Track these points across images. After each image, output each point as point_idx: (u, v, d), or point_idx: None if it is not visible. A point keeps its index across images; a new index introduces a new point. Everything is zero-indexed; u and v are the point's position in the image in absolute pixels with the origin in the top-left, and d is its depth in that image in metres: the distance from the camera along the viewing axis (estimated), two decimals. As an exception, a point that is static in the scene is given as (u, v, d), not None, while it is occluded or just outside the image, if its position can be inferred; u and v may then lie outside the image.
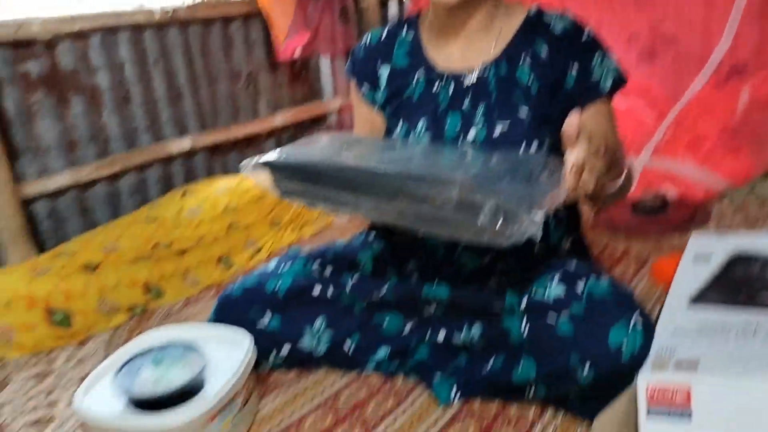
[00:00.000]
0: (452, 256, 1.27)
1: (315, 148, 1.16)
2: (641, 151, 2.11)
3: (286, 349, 1.28)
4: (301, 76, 2.80)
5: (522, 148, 1.18)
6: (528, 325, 1.09)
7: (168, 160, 2.28)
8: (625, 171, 1.14)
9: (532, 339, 1.07)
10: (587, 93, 1.19)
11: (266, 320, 1.26)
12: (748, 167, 1.98)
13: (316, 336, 1.27)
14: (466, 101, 1.21)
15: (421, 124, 1.23)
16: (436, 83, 1.24)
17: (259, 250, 1.97)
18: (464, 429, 1.11)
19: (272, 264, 1.35)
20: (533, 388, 1.10)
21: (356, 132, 1.40)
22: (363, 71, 1.32)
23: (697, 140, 2.02)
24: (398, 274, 1.32)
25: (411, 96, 1.26)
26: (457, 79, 1.23)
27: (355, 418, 1.17)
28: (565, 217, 1.32)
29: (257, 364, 1.24)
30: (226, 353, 1.16)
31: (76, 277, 1.62)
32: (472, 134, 1.20)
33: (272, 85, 2.66)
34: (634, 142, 2.14)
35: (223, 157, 2.50)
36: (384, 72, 1.29)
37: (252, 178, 1.09)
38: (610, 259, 1.70)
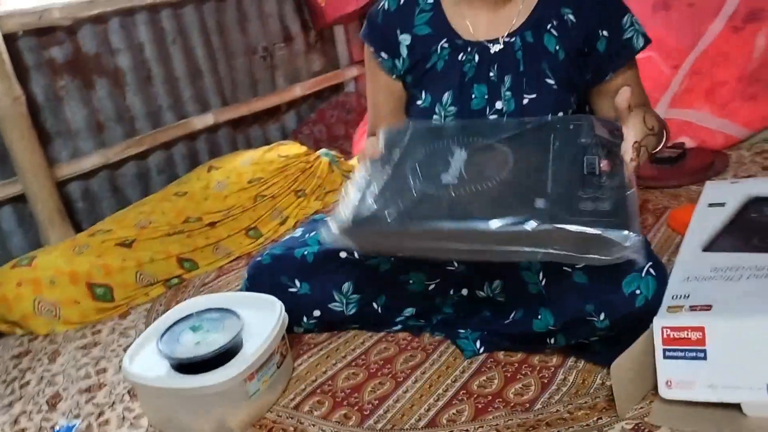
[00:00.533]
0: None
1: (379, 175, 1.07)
2: (658, 102, 2.11)
3: (316, 312, 1.34)
4: (316, 46, 2.83)
5: (549, 116, 1.20)
6: (545, 277, 1.13)
7: (192, 137, 2.34)
8: (665, 131, 1.15)
9: (549, 290, 1.11)
10: (619, 56, 1.19)
11: (296, 286, 1.32)
12: (766, 113, 1.97)
13: (344, 299, 1.32)
14: (493, 72, 1.20)
15: (447, 96, 1.22)
16: (461, 53, 1.21)
17: (285, 220, 2.03)
18: (490, 378, 1.17)
19: (298, 231, 1.41)
20: (553, 337, 1.15)
21: (372, 99, 1.36)
22: (381, 38, 1.27)
23: (714, 88, 2.02)
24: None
25: (434, 66, 1.24)
26: (483, 48, 1.20)
27: (385, 372, 1.23)
28: None
29: (290, 329, 1.31)
30: (261, 318, 1.22)
31: (114, 253, 1.70)
32: (499, 105, 1.20)
33: (289, 57, 2.70)
34: (652, 93, 2.13)
35: (245, 131, 2.56)
36: (404, 40, 1.25)
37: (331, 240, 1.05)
38: (628, 212, 1.72)
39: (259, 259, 1.35)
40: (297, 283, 1.31)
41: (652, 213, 1.71)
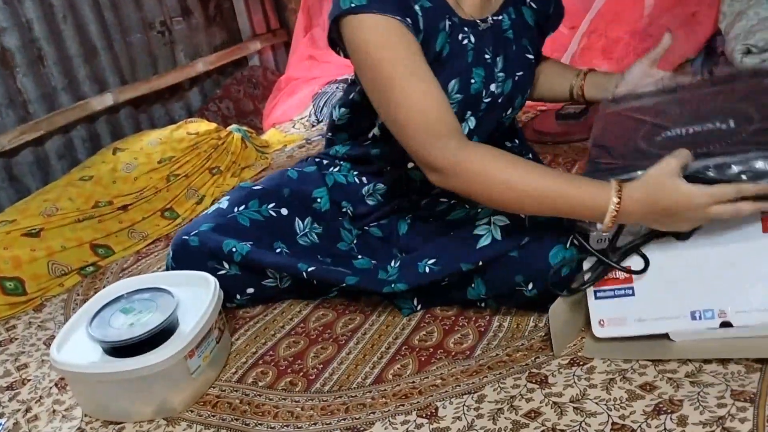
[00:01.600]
0: (407, 181, 1.32)
1: None
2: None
3: (249, 290, 1.32)
4: (216, 19, 2.74)
5: (528, 93, 1.24)
6: (481, 261, 1.14)
7: (92, 119, 2.23)
8: None
9: (481, 263, 1.14)
10: (555, 22, 1.26)
11: (225, 268, 1.28)
12: (659, 67, 2.10)
13: (278, 275, 1.30)
14: (488, 52, 1.17)
15: (453, 84, 1.14)
16: (460, 34, 1.14)
17: (202, 199, 1.97)
18: (429, 332, 1.20)
19: (224, 202, 1.35)
20: (485, 302, 1.20)
21: (423, 88, 1.03)
22: (397, 3, 1.04)
23: (610, 46, 2.13)
24: (354, 209, 1.35)
25: (442, 50, 1.13)
26: (475, 27, 1.16)
27: (326, 338, 1.24)
28: (509, 129, 1.37)
29: (223, 305, 1.29)
30: (194, 295, 1.19)
31: (21, 243, 1.60)
32: (492, 88, 1.18)
33: (188, 31, 2.60)
34: (552, 54, 2.22)
35: (147, 111, 2.46)
36: (418, 9, 1.07)
37: None
38: (541, 166, 1.80)
39: (185, 237, 1.29)
40: (226, 265, 1.28)
41: (563, 166, 1.79)
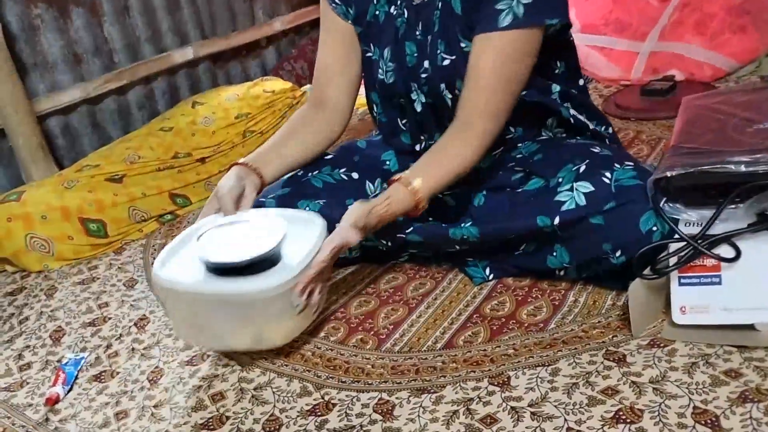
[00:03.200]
0: None
1: None
2: (647, 36, 2.11)
3: None
4: (295, -22, 2.74)
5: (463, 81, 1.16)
6: (559, 218, 1.10)
7: (172, 71, 2.27)
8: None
9: (564, 231, 1.11)
10: (482, 22, 1.11)
11: None
12: (754, 46, 1.99)
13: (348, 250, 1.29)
14: (419, 30, 1.20)
15: (387, 52, 1.23)
16: (394, 6, 1.22)
17: (275, 155, 2.00)
18: (501, 302, 1.19)
19: (299, 171, 1.36)
20: (565, 271, 1.17)
21: (322, 60, 1.30)
22: None
23: (703, 21, 2.02)
24: None
25: (376, 18, 1.24)
26: (409, 3, 1.20)
27: (396, 300, 1.24)
28: (585, 104, 1.33)
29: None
30: (299, 232, 1.12)
31: (105, 188, 1.65)
32: (426, 64, 1.20)
33: (268, -11, 2.61)
34: (641, 27, 2.14)
35: (224, 67, 2.48)
36: None
37: None
38: (623, 142, 1.74)
39: (262, 200, 1.28)
40: None
41: (647, 144, 1.73)
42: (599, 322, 1.09)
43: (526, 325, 1.12)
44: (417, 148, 1.33)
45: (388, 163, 1.37)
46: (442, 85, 1.20)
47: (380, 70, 1.25)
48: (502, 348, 1.06)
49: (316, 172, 1.34)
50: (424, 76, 1.21)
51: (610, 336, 1.05)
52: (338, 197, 1.30)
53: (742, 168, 0.96)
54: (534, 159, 1.25)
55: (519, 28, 1.08)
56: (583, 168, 1.13)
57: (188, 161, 1.83)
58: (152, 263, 1.47)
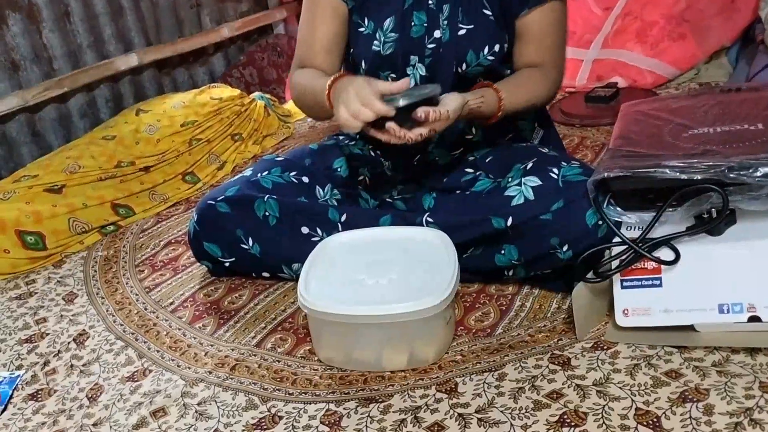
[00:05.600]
0: (425, 152, 1.31)
1: None
2: (591, 44, 2.16)
3: (265, 274, 1.33)
4: (243, -16, 2.71)
5: (486, 50, 1.20)
6: (512, 219, 1.12)
7: (115, 78, 2.21)
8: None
9: (514, 227, 1.12)
10: None
11: (248, 245, 1.27)
12: (693, 53, 2.05)
13: (293, 274, 1.28)
14: None
15: (389, 22, 1.22)
16: None
17: (223, 165, 1.96)
18: (450, 309, 1.19)
19: (248, 171, 1.35)
20: (513, 270, 1.18)
21: (308, 31, 1.29)
22: None
23: (644, 29, 2.08)
24: (372, 177, 1.35)
25: None
26: None
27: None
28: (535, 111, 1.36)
29: (244, 274, 1.31)
30: (423, 249, 1.15)
31: (43, 199, 1.59)
32: (437, 34, 1.20)
33: (215, -5, 2.57)
34: (584, 35, 2.19)
35: (171, 74, 2.44)
36: None
37: None
38: (568, 148, 1.77)
39: (211, 203, 1.27)
40: (250, 242, 1.27)
41: (591, 149, 1.76)
42: (545, 326, 1.10)
43: (474, 331, 1.12)
44: None
45: (339, 169, 1.36)
46: (451, 57, 1.19)
47: (376, 42, 1.22)
48: (450, 354, 1.06)
49: (266, 173, 1.32)
50: (430, 47, 1.21)
51: (556, 339, 1.06)
52: (288, 198, 1.29)
53: (678, 173, 0.98)
54: (486, 161, 1.26)
55: None
56: (530, 165, 1.17)
57: (131, 170, 1.78)
58: (93, 276, 1.46)
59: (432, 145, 1.29)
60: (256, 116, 2.14)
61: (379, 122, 1.05)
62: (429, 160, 1.31)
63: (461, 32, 1.19)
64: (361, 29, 1.25)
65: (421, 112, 1.04)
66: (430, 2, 1.20)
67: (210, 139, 1.99)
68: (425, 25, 1.21)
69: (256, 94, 2.26)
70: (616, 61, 2.09)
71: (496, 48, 1.20)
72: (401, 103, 1.03)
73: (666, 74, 2.06)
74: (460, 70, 1.21)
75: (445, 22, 1.20)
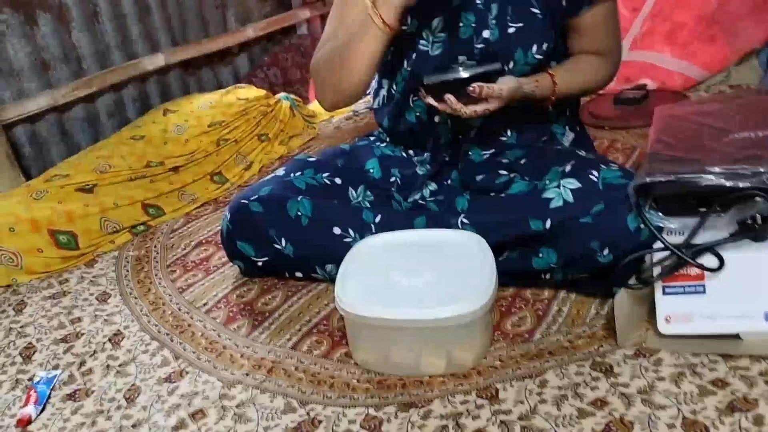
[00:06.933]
0: (457, 152, 1.31)
1: None
2: (620, 45, 2.14)
3: (298, 274, 1.32)
4: (268, -16, 2.71)
5: (534, 49, 1.19)
6: (551, 221, 1.11)
7: (143, 78, 2.22)
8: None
9: (553, 229, 1.11)
10: None
11: (281, 245, 1.26)
12: (723, 55, 2.03)
13: (327, 275, 1.29)
14: None
15: (437, 21, 1.20)
16: None
17: (250, 165, 1.97)
18: (486, 313, 1.18)
19: (281, 171, 1.35)
20: (550, 273, 1.17)
21: (338, 19, 1.28)
22: None
23: (674, 30, 2.06)
24: (403, 178, 1.35)
25: None
26: None
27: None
28: (565, 110, 1.35)
29: (274, 273, 1.32)
30: (462, 253, 1.13)
31: (75, 198, 1.60)
32: (486, 34, 1.19)
33: (240, -5, 2.57)
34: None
35: (196, 74, 2.44)
36: None
37: None
38: (598, 151, 1.75)
39: (244, 202, 1.27)
40: (283, 242, 1.27)
41: (622, 152, 1.75)
42: (584, 332, 1.09)
43: (511, 336, 1.11)
44: (417, 128, 1.33)
45: (371, 171, 1.36)
46: (500, 55, 1.19)
47: (423, 42, 1.22)
48: (489, 360, 1.06)
49: (299, 173, 1.32)
50: (479, 46, 1.20)
51: (596, 346, 1.05)
52: (320, 199, 1.28)
53: (723, 179, 0.97)
54: (521, 163, 1.25)
55: None
56: (569, 168, 1.16)
57: (161, 170, 1.79)
58: (125, 276, 1.46)
59: (467, 141, 1.29)
60: (282, 117, 2.14)
61: (438, 92, 1.11)
62: (462, 158, 1.30)
63: (510, 30, 1.19)
64: (404, 27, 1.22)
65: (475, 85, 1.08)
66: (478, 2, 1.19)
67: (237, 140, 1.99)
68: (473, 25, 1.20)
69: (282, 94, 2.26)
70: (645, 63, 2.07)
71: (545, 46, 1.20)
72: (462, 74, 1.09)
73: (696, 76, 2.04)
74: (507, 68, 1.21)
75: (494, 22, 1.19)
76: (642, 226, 1.04)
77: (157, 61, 2.23)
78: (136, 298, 1.38)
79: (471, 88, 1.09)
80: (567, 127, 1.38)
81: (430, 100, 1.14)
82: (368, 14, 1.12)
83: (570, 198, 1.11)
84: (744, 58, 2.05)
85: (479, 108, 1.12)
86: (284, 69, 2.67)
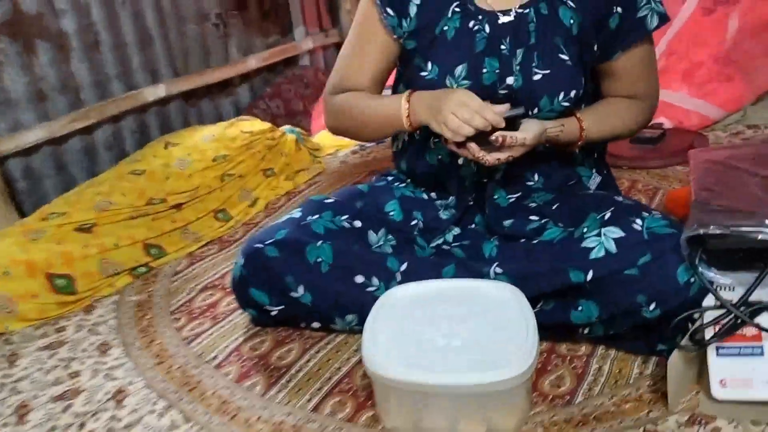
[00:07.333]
0: (482, 195, 1.25)
1: None
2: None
3: (315, 324, 1.24)
4: (270, 15, 2.66)
5: (561, 96, 1.14)
6: (593, 273, 1.04)
7: (142, 109, 2.15)
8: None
9: (594, 282, 1.04)
10: (629, 35, 1.16)
11: (299, 293, 1.18)
12: (740, 94, 2.00)
13: (347, 326, 1.22)
14: (504, 44, 1.15)
15: (461, 69, 1.16)
16: (472, 21, 1.16)
17: (255, 201, 1.89)
18: (520, 371, 1.10)
19: (296, 213, 1.27)
20: (590, 327, 1.09)
21: (354, 54, 1.26)
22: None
23: (691, 69, 2.02)
24: (425, 221, 1.28)
25: (444, 33, 1.17)
26: (493, 18, 1.16)
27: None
28: (592, 153, 1.30)
29: (286, 322, 1.23)
30: (495, 306, 1.06)
31: (73, 239, 1.51)
32: (510, 80, 1.15)
33: (242, 26, 2.52)
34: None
35: (197, 105, 2.37)
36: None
37: None
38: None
39: (259, 246, 1.19)
40: (301, 290, 1.18)
41: (644, 193, 1.69)
42: (629, 394, 1.01)
43: (550, 397, 1.03)
44: (439, 170, 1.28)
45: (392, 213, 1.29)
46: (524, 102, 1.13)
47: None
48: (530, 426, 0.97)
49: (317, 216, 1.24)
50: (503, 92, 1.15)
51: (646, 411, 0.97)
52: (341, 244, 1.21)
53: None
54: (552, 208, 1.19)
55: (663, 23, 1.17)
56: (608, 215, 1.09)
57: (163, 207, 1.71)
58: (126, 324, 1.37)
59: (492, 184, 1.24)
60: (287, 150, 2.07)
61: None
62: (487, 201, 1.24)
63: (536, 77, 1.14)
64: (424, 73, 1.19)
65: (497, 134, 1.05)
66: (502, 47, 1.15)
67: (242, 174, 1.91)
68: (497, 71, 1.15)
69: (287, 127, 2.19)
70: (661, 101, 2.02)
71: (572, 94, 1.15)
72: None
73: (713, 115, 2.00)
74: (531, 113, 1.15)
75: (518, 68, 1.14)
76: (692, 280, 0.98)
77: (158, 91, 2.16)
78: (139, 349, 1.29)
79: (493, 138, 1.05)
80: (594, 170, 1.32)
81: (453, 147, 1.10)
82: (400, 114, 1.15)
83: (613, 248, 1.04)
84: (760, 97, 2.02)
85: (503, 156, 1.08)
86: (287, 100, 2.61)
